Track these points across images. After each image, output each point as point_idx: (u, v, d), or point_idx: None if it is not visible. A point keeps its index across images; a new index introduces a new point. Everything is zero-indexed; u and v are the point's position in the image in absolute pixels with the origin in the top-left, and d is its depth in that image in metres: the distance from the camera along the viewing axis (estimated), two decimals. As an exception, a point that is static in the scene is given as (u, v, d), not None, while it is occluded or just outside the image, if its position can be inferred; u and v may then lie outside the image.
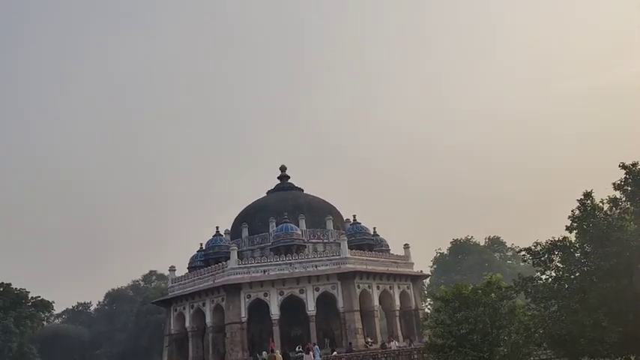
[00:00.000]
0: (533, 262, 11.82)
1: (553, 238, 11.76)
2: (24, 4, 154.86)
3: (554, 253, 11.61)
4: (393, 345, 33.79)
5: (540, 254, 11.73)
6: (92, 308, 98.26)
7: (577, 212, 11.54)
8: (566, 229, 11.71)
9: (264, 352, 31.95)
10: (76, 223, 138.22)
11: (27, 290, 66.76)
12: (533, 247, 11.89)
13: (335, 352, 32.20)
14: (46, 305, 69.27)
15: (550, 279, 11.61)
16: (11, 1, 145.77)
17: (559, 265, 11.53)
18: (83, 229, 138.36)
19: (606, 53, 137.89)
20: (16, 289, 65.48)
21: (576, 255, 11.03)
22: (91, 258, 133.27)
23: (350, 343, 35.39)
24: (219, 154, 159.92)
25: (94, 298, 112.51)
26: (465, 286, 12.19)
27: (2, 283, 65.33)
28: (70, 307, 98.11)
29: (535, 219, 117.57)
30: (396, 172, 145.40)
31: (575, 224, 11.25)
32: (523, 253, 12.05)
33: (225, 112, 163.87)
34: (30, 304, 66.95)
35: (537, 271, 11.86)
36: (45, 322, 76.93)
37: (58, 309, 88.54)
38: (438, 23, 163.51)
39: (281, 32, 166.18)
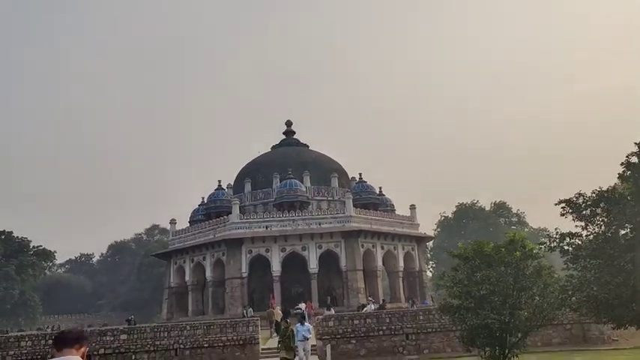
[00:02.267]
0: (573, 216, 10.50)
1: (600, 187, 10.39)
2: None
3: (599, 207, 10.28)
4: (369, 307, 28.77)
5: (583, 207, 10.40)
6: (95, 260, 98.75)
7: (634, 159, 10.10)
8: (619, 178, 10.31)
9: (250, 309, 31.21)
10: (82, 175, 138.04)
11: (29, 239, 66.63)
12: (574, 199, 10.54)
13: (331, 310, 31.19)
14: (47, 254, 69.26)
15: (592, 235, 10.30)
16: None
17: (605, 219, 10.19)
18: (88, 180, 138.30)
19: None
20: (17, 237, 65.33)
21: (627, 210, 9.67)
22: (96, 210, 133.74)
23: (383, 300, 34.60)
24: (226, 107, 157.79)
25: (97, 249, 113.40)
26: (487, 242, 10.96)
27: (4, 230, 65.18)
28: (73, 258, 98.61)
29: (543, 186, 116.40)
30: (404, 133, 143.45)
31: (629, 173, 9.85)
32: (562, 205, 10.71)
33: (233, 64, 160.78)
34: (32, 252, 66.91)
35: (578, 227, 10.55)
36: (47, 272, 77.24)
37: (61, 259, 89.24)
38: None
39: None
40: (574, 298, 10.18)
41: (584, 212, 10.35)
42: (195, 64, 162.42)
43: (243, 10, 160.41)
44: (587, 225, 10.38)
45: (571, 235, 10.47)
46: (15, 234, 65.43)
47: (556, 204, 10.62)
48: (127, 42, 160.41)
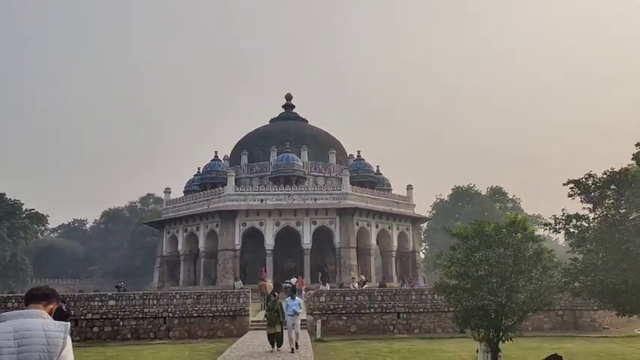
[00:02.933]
0: (582, 197, 10.10)
1: (612, 168, 9.97)
2: None
3: (609, 188, 9.88)
4: (352, 286, 28.37)
5: (592, 188, 9.99)
6: (88, 226, 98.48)
7: None
8: (633, 159, 9.88)
9: (239, 282, 31.04)
10: (78, 140, 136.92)
11: (21, 202, 66.12)
12: (584, 180, 10.13)
13: (326, 286, 31.16)
14: (40, 218, 68.86)
15: (600, 218, 9.91)
16: None
17: (615, 202, 9.79)
18: (84, 146, 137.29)
19: None
20: (10, 199, 64.79)
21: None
22: (90, 176, 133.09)
23: (383, 278, 34.57)
24: (227, 78, 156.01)
25: (91, 216, 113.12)
26: (488, 222, 10.59)
27: (-4, 192, 64.61)
28: (66, 223, 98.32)
29: (538, 174, 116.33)
30: (403, 113, 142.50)
31: None
32: (571, 186, 10.30)
33: (235, 34, 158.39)
34: (24, 215, 66.50)
35: (585, 210, 10.16)
36: (39, 235, 76.90)
37: (54, 224, 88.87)
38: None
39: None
40: (577, 283, 9.87)
41: (592, 194, 9.96)
42: (197, 29, 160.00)
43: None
44: (595, 207, 10.00)
45: (578, 217, 10.10)
46: (8, 196, 64.96)
47: (564, 184, 10.22)
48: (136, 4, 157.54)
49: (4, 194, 64.93)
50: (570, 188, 10.30)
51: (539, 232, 17.76)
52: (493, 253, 9.87)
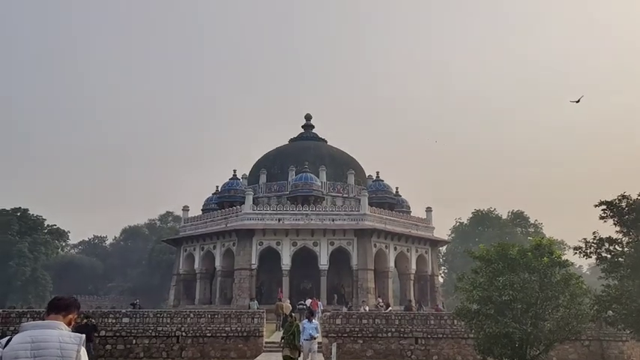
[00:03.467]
0: (614, 220, 9.59)
1: None
2: None
3: (645, 211, 9.32)
4: (363, 309, 27.95)
5: (626, 211, 9.47)
6: (108, 242, 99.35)
7: None
8: None
9: (255, 302, 30.61)
10: (100, 158, 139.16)
11: (43, 217, 67.10)
12: (617, 201, 9.62)
13: (347, 308, 30.76)
14: (61, 234, 69.78)
15: (635, 242, 9.36)
16: None
17: None
18: (106, 163, 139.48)
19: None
20: (32, 215, 65.80)
21: None
22: (112, 193, 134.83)
23: (409, 301, 33.96)
24: (244, 99, 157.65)
25: (111, 233, 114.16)
26: (512, 245, 10.12)
27: (20, 207, 65.72)
28: (87, 239, 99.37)
29: (562, 201, 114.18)
30: (422, 136, 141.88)
31: None
32: (602, 207, 9.81)
33: (255, 55, 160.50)
34: (46, 231, 67.40)
35: (619, 233, 9.62)
36: (60, 251, 77.74)
37: (75, 240, 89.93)
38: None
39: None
40: (610, 312, 9.31)
41: (627, 217, 9.43)
42: (217, 53, 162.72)
43: (264, 3, 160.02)
44: (629, 231, 9.46)
45: (611, 240, 9.57)
46: (31, 212, 65.98)
47: (596, 205, 9.74)
48: (150, 27, 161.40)
49: (27, 210, 66.03)
50: (602, 210, 9.80)
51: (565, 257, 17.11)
52: (518, 278, 9.41)
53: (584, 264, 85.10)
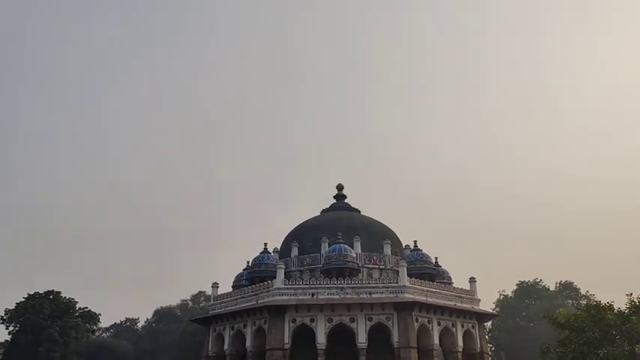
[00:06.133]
0: None
1: None
2: None
3: None
4: None
5: None
6: (139, 325, 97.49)
7: None
8: None
9: None
10: (134, 242, 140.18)
11: (75, 300, 66.42)
12: None
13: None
14: (92, 317, 68.76)
15: None
16: None
17: None
18: (138, 245, 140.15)
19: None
20: (64, 297, 65.28)
21: None
22: (144, 274, 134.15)
23: None
24: (275, 172, 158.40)
25: (143, 314, 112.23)
26: (610, 307, 8.18)
27: (52, 290, 65.44)
28: (118, 322, 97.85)
29: (613, 269, 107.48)
30: (458, 205, 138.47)
31: None
32: None
33: (285, 125, 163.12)
34: (77, 314, 66.48)
35: None
36: (91, 334, 76.32)
37: (106, 323, 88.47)
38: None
39: (341, 54, 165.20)
40: None
41: None
42: (248, 126, 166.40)
43: (284, 75, 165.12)
44: None
45: None
46: (63, 294, 65.50)
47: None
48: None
49: (60, 292, 65.60)
50: None
51: None
52: (621, 350, 7.40)
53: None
